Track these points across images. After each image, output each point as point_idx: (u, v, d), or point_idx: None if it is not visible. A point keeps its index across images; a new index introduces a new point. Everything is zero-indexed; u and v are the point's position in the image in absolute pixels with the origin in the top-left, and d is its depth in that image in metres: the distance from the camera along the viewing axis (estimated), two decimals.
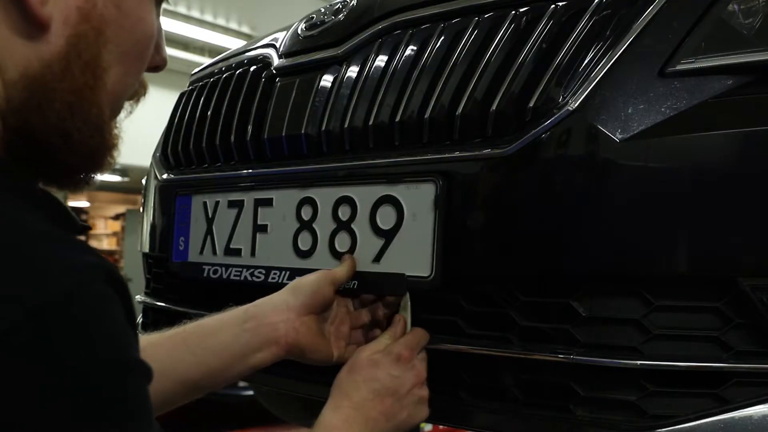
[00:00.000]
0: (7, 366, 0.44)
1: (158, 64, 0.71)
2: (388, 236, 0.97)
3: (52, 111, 0.59)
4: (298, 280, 0.98)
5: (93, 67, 0.60)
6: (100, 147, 0.63)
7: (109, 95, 0.63)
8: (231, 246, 1.19)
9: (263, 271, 1.12)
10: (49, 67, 0.58)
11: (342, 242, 1.02)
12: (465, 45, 0.96)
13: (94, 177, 0.66)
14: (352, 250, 1.01)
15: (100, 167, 0.65)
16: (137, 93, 0.70)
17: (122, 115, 0.69)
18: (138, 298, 1.51)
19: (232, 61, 1.39)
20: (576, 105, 0.84)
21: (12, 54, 0.57)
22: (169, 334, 0.94)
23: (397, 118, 0.99)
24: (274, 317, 0.93)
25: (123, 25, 0.62)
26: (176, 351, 0.92)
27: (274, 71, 1.23)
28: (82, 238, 0.62)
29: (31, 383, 0.45)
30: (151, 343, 0.91)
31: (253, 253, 1.15)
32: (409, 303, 0.95)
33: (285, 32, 1.31)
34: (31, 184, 0.60)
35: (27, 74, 0.58)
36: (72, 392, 0.46)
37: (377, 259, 0.98)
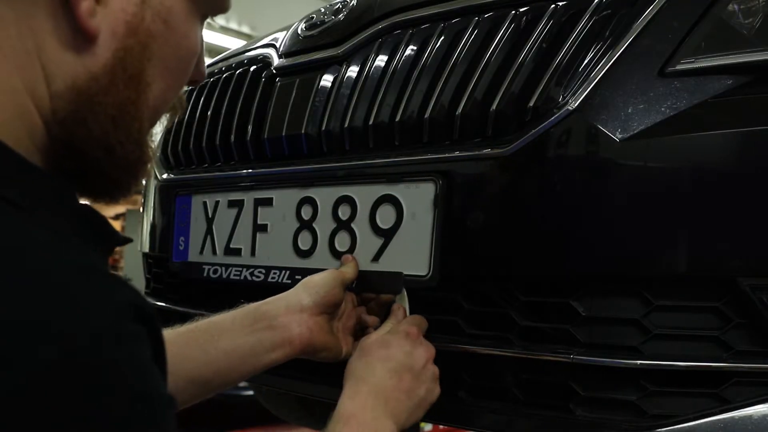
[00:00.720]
0: (38, 402, 0.43)
1: (197, 79, 0.71)
2: (387, 235, 0.97)
3: (96, 124, 0.59)
4: (309, 279, 0.98)
5: (137, 82, 0.60)
6: (139, 161, 0.63)
7: (150, 110, 0.63)
8: (231, 246, 1.19)
9: (263, 271, 1.12)
10: (96, 80, 0.58)
11: (342, 242, 1.02)
12: (465, 45, 0.96)
13: (131, 190, 0.66)
14: (351, 249, 1.01)
15: (137, 180, 0.65)
16: (174, 108, 0.70)
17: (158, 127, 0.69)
18: None
19: (232, 61, 1.39)
20: (576, 105, 0.84)
21: (59, 65, 0.57)
22: (181, 331, 0.93)
23: (397, 118, 0.99)
24: (286, 317, 0.93)
25: (168, 41, 0.62)
26: (187, 349, 0.91)
27: (274, 71, 1.23)
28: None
29: (56, 421, 0.44)
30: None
31: (253, 253, 1.16)
32: (405, 296, 0.95)
33: (285, 32, 1.31)
34: (76, 199, 0.60)
35: (74, 86, 0.58)
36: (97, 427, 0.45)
37: (376, 258, 0.98)
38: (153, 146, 0.66)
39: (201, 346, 0.91)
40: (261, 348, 0.92)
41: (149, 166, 0.65)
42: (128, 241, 0.67)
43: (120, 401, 0.47)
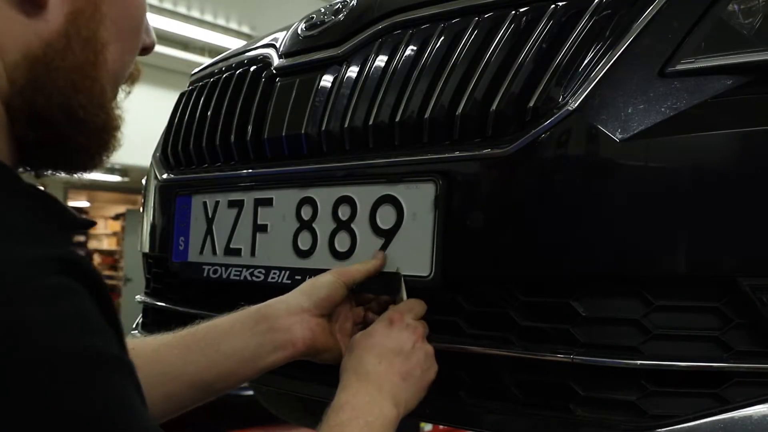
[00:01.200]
0: None
1: (148, 46, 0.71)
2: (387, 236, 0.97)
3: (56, 90, 0.59)
4: (313, 280, 0.97)
5: (93, 44, 0.61)
6: (106, 125, 0.64)
7: (110, 73, 0.63)
8: (231, 246, 1.19)
9: (263, 271, 1.12)
10: (50, 45, 0.59)
11: (342, 242, 1.02)
12: (465, 45, 0.96)
13: (102, 159, 0.66)
14: (351, 250, 1.01)
15: (107, 148, 0.65)
16: (132, 75, 0.70)
17: (121, 95, 0.70)
18: (138, 298, 1.51)
19: (232, 61, 1.39)
20: (576, 105, 0.84)
21: (12, 35, 0.57)
22: (182, 335, 0.93)
23: (397, 118, 0.99)
24: (288, 319, 0.93)
25: (117, 1, 0.63)
26: (189, 353, 0.91)
27: (274, 71, 1.23)
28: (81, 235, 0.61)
29: None
30: (164, 344, 0.91)
31: (253, 253, 1.15)
32: (405, 297, 0.95)
33: (285, 32, 1.31)
34: (25, 183, 0.59)
35: (28, 54, 0.58)
36: (20, 392, 0.43)
37: None
38: (120, 113, 0.67)
39: (202, 350, 0.91)
40: (263, 350, 0.92)
41: (118, 133, 0.66)
42: (91, 224, 0.67)
43: (35, 358, 0.44)
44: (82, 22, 0.60)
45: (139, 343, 0.90)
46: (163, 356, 0.89)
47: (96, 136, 0.63)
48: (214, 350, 0.91)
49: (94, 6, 0.61)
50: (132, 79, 0.71)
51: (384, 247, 0.97)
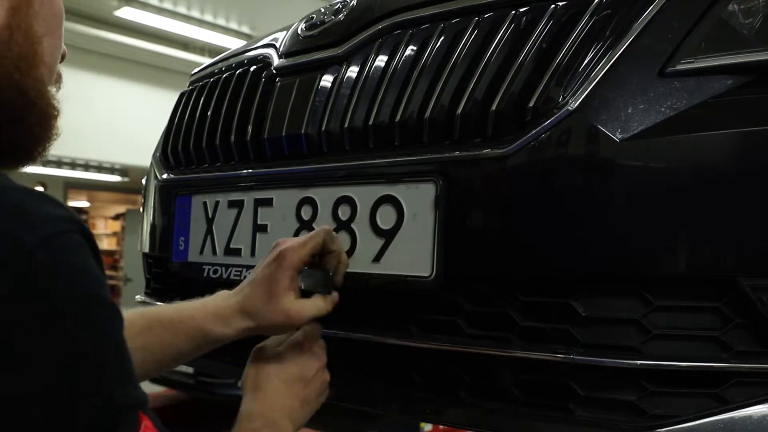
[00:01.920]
0: None
1: (63, 53, 0.79)
2: (388, 236, 0.97)
3: (7, 75, 0.67)
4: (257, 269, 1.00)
5: (31, 36, 0.69)
6: (48, 110, 0.71)
7: (46, 65, 0.71)
8: (231, 246, 1.19)
9: None
10: None
11: (341, 242, 1.02)
12: (465, 45, 0.96)
13: (46, 147, 0.73)
14: (352, 250, 1.01)
15: (49, 134, 0.72)
16: (59, 76, 0.78)
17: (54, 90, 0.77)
18: (138, 298, 1.51)
19: (232, 61, 1.39)
20: (576, 105, 0.84)
21: None
22: (149, 313, 0.98)
23: (397, 118, 0.99)
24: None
25: (45, 0, 0.71)
26: (155, 326, 0.95)
27: (274, 71, 1.23)
28: None
29: (17, 313, 0.53)
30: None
31: (252, 253, 1.15)
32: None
33: (285, 32, 1.31)
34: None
35: None
36: (52, 322, 0.54)
37: (377, 259, 0.98)
38: (57, 104, 0.74)
39: (169, 319, 0.96)
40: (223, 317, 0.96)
41: (57, 123, 0.73)
42: None
43: (69, 299, 0.55)
44: (21, 17, 0.68)
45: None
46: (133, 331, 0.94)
47: (42, 119, 0.70)
48: (179, 318, 0.96)
49: (27, 3, 0.69)
50: (58, 80, 0.78)
51: (384, 248, 0.97)
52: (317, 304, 0.95)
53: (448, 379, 0.93)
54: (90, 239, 0.59)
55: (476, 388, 0.92)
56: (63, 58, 0.79)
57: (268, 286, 0.92)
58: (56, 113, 0.72)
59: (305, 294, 0.95)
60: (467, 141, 0.92)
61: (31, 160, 0.74)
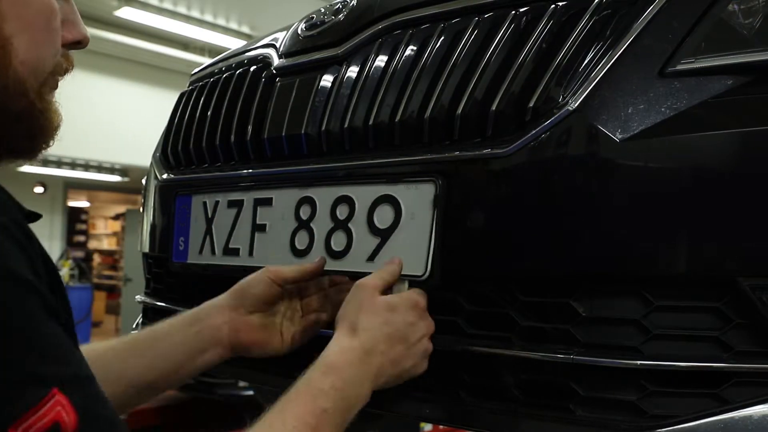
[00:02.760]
0: None
1: (78, 39, 0.79)
2: (384, 235, 0.97)
3: None
4: (244, 279, 1.04)
5: None
6: (30, 110, 0.71)
7: (25, 64, 0.70)
8: (230, 246, 1.19)
9: None
10: None
11: (338, 241, 1.02)
12: (465, 45, 0.96)
13: (39, 144, 0.74)
14: (347, 248, 1.01)
15: (39, 133, 0.73)
16: (61, 66, 0.77)
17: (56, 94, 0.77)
18: (138, 298, 1.51)
19: (232, 61, 1.39)
20: (576, 105, 0.84)
21: None
22: (126, 339, 1.02)
23: (397, 118, 0.99)
24: (217, 319, 1.00)
25: (16, 0, 0.71)
26: (130, 356, 0.98)
27: (274, 71, 1.23)
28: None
29: None
30: (109, 349, 0.99)
31: (251, 253, 1.15)
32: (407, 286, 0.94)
33: (285, 32, 1.31)
34: None
35: None
36: None
37: (371, 258, 0.98)
38: (55, 106, 0.75)
39: (141, 352, 0.99)
40: (194, 350, 0.99)
41: (52, 120, 0.73)
42: (36, 216, 0.73)
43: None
44: None
45: (86, 349, 0.96)
46: (106, 360, 0.95)
47: (19, 121, 0.71)
48: (152, 351, 0.98)
49: None
50: (63, 72, 0.78)
51: (379, 247, 0.97)
52: (299, 267, 1.01)
53: (448, 379, 0.93)
54: (19, 226, 0.61)
55: (476, 388, 0.92)
56: (79, 44, 0.79)
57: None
58: (42, 111, 0.72)
59: None
60: (467, 141, 0.92)
61: (21, 155, 0.74)
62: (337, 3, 1.22)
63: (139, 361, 0.97)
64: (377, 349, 0.85)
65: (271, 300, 1.02)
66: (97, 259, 14.93)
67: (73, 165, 9.95)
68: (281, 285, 1.01)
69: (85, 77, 8.72)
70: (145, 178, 1.55)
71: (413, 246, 0.93)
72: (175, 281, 1.38)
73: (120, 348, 0.99)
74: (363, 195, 1.01)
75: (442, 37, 1.00)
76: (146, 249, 1.48)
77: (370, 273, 0.94)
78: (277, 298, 1.02)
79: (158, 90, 9.25)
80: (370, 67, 1.07)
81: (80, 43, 0.79)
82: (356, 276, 0.97)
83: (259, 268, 1.12)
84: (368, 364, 0.84)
